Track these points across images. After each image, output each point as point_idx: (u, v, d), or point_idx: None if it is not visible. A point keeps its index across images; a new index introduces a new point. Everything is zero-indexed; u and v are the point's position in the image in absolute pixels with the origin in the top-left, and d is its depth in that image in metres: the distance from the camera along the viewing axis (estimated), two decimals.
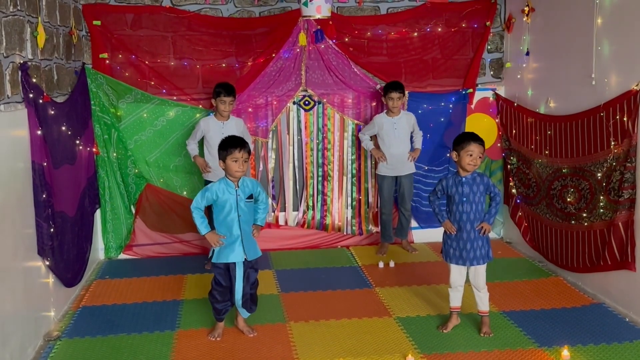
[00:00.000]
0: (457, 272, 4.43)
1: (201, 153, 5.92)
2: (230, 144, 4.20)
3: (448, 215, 4.41)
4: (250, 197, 4.31)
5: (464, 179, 4.29)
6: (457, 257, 4.37)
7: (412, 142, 6.16)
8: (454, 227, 4.34)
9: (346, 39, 6.39)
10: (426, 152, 6.45)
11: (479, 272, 4.37)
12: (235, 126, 5.77)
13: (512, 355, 4.08)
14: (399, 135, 6.03)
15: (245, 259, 4.30)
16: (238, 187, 4.25)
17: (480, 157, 4.27)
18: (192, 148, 5.86)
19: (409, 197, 6.21)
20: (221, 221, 4.29)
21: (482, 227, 4.29)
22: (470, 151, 4.23)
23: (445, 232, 4.44)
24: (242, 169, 4.20)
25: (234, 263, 4.29)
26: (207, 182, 5.62)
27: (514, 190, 6.28)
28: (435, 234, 6.52)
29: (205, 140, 5.82)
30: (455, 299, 4.49)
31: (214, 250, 4.34)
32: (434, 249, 6.33)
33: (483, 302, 4.43)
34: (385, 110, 6.11)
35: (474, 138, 4.29)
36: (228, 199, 4.24)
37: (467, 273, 4.44)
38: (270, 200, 6.57)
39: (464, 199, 4.28)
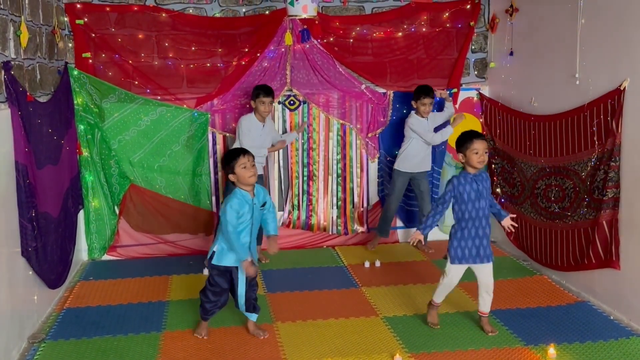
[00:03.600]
0: (460, 272, 4.40)
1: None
2: (234, 154, 4.15)
3: (460, 216, 4.32)
4: (264, 205, 4.27)
5: (474, 176, 4.29)
6: (473, 255, 4.32)
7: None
8: (421, 239, 4.35)
9: (331, 39, 6.39)
10: None
11: (489, 270, 4.38)
12: (270, 130, 5.91)
13: (498, 354, 4.10)
14: (427, 132, 6.11)
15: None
16: (254, 196, 4.18)
17: (486, 152, 4.27)
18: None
19: (428, 195, 6.28)
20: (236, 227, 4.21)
21: (512, 221, 4.42)
22: (476, 149, 4.23)
23: (457, 234, 4.34)
24: (254, 172, 4.13)
25: (236, 267, 4.25)
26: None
27: (498, 190, 6.31)
28: None
29: (243, 138, 5.74)
30: (443, 295, 4.50)
31: (214, 251, 4.27)
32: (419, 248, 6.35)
33: (487, 305, 4.45)
34: (415, 111, 6.13)
35: (476, 135, 4.31)
36: (248, 210, 4.15)
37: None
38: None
39: (479, 195, 4.27)
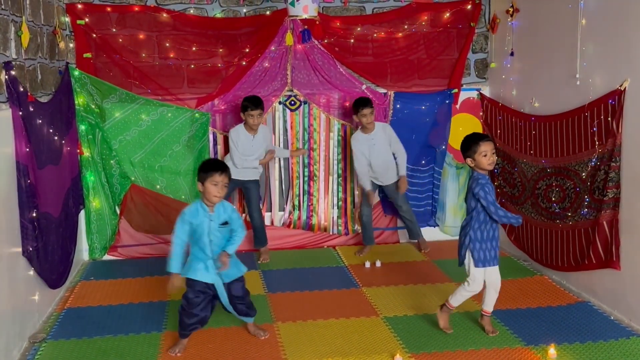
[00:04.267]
0: (482, 277, 4.29)
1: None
2: (212, 167, 4.06)
3: (481, 216, 4.22)
4: (226, 223, 4.13)
5: (487, 177, 4.24)
6: (492, 257, 4.26)
7: (395, 157, 6.13)
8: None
9: (332, 39, 6.39)
10: (411, 153, 6.47)
11: (497, 272, 4.33)
12: (262, 139, 5.92)
13: (499, 354, 4.10)
14: (378, 150, 6.03)
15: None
16: (213, 212, 4.09)
17: (493, 153, 4.22)
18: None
19: (402, 200, 6.21)
20: (195, 241, 4.15)
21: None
22: (484, 151, 4.17)
23: (478, 236, 4.23)
24: (221, 194, 4.03)
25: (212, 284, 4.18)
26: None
27: (498, 190, 6.31)
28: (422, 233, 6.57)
29: (232, 149, 5.89)
30: (462, 301, 4.38)
31: (187, 264, 4.19)
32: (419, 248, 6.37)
33: (493, 302, 4.42)
34: (359, 127, 6.07)
35: (482, 138, 4.25)
36: (201, 223, 4.07)
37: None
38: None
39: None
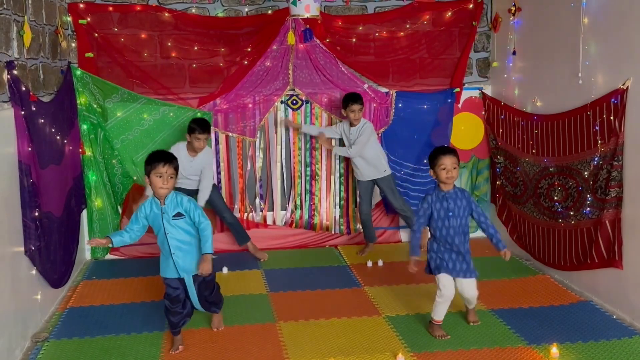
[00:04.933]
0: (450, 280, 4.32)
1: None
2: (156, 158, 3.97)
3: (433, 232, 4.35)
4: (180, 214, 4.05)
5: (447, 194, 4.27)
6: (450, 268, 4.30)
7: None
8: (415, 268, 4.37)
9: (334, 39, 6.38)
10: (413, 152, 6.48)
11: (470, 285, 4.35)
12: (200, 163, 5.68)
13: (501, 354, 4.10)
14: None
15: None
16: (164, 204, 4.03)
17: (455, 168, 4.22)
18: None
19: (395, 197, 6.20)
20: (158, 239, 4.14)
21: (505, 254, 4.28)
22: (443, 165, 4.20)
23: (430, 248, 4.39)
24: (167, 186, 3.95)
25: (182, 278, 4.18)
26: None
27: (500, 189, 6.31)
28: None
29: None
30: (442, 312, 4.37)
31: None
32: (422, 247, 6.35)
33: (472, 305, 4.51)
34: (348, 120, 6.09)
35: (443, 151, 4.27)
36: (155, 217, 4.05)
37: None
38: (258, 199, 6.57)
39: (450, 213, 4.24)
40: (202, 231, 4.09)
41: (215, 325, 4.55)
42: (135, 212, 4.12)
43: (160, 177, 3.94)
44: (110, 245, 4.12)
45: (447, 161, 4.20)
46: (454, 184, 4.30)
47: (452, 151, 4.29)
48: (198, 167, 5.73)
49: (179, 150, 5.62)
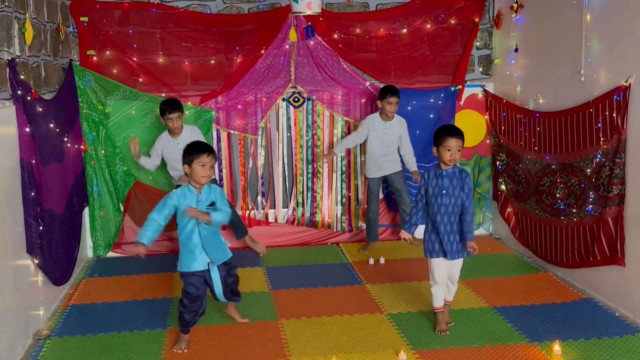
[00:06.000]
0: (441, 266, 4.33)
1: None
2: (198, 149, 4.08)
3: (428, 209, 4.34)
4: (212, 204, 4.13)
5: (444, 172, 4.24)
6: (438, 251, 4.31)
7: (400, 154, 6.17)
8: (409, 238, 4.40)
9: (335, 36, 6.38)
10: (415, 149, 6.45)
11: (456, 265, 4.36)
12: (190, 137, 5.53)
13: (503, 351, 4.09)
14: (388, 139, 6.05)
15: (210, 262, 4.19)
16: (200, 193, 4.11)
17: (459, 151, 4.20)
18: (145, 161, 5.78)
19: (405, 192, 6.21)
20: (182, 228, 4.16)
21: (472, 248, 4.23)
22: (448, 147, 4.18)
23: (426, 230, 4.38)
24: (209, 175, 4.07)
25: (207, 270, 4.19)
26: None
27: (503, 187, 6.30)
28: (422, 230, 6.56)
29: (165, 158, 5.75)
30: (440, 297, 4.40)
31: (179, 259, 4.23)
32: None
33: (451, 294, 4.48)
34: (379, 112, 6.08)
35: (451, 132, 4.23)
36: (189, 206, 4.08)
37: None
38: (259, 197, 6.56)
39: (444, 191, 4.22)
40: (221, 211, 4.15)
41: (239, 317, 4.58)
42: (161, 202, 4.12)
43: (203, 166, 4.03)
44: (145, 246, 4.14)
45: (453, 143, 4.18)
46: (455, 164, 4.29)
47: (459, 133, 4.25)
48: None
49: (162, 139, 5.68)
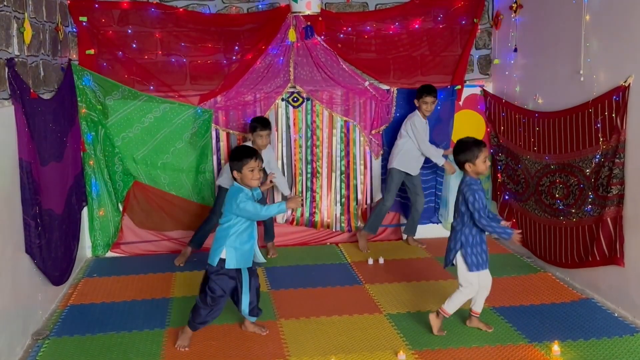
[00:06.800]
0: (478, 280, 4.28)
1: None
2: (245, 154, 4.15)
3: (468, 221, 4.19)
4: (258, 201, 4.28)
5: (480, 183, 4.23)
6: (484, 261, 4.25)
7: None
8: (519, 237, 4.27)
9: (335, 36, 6.37)
10: None
11: (489, 272, 4.36)
12: (265, 159, 5.63)
13: (502, 351, 4.09)
14: (425, 137, 6.14)
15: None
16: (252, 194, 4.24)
17: (487, 158, 4.24)
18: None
19: (421, 190, 6.30)
20: (243, 229, 4.16)
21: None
22: (485, 157, 4.18)
23: (470, 240, 4.20)
24: (258, 178, 4.16)
25: (239, 271, 4.21)
26: (221, 188, 5.83)
27: (502, 187, 6.30)
28: (423, 231, 6.57)
29: None
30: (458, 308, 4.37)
31: (220, 257, 4.13)
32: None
33: (483, 303, 4.48)
34: (417, 110, 6.12)
35: (482, 143, 4.22)
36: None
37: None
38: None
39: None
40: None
41: (261, 330, 4.49)
42: (248, 202, 4.12)
43: (252, 171, 4.12)
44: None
45: (487, 153, 4.22)
46: None
47: (484, 142, 4.27)
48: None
49: None
